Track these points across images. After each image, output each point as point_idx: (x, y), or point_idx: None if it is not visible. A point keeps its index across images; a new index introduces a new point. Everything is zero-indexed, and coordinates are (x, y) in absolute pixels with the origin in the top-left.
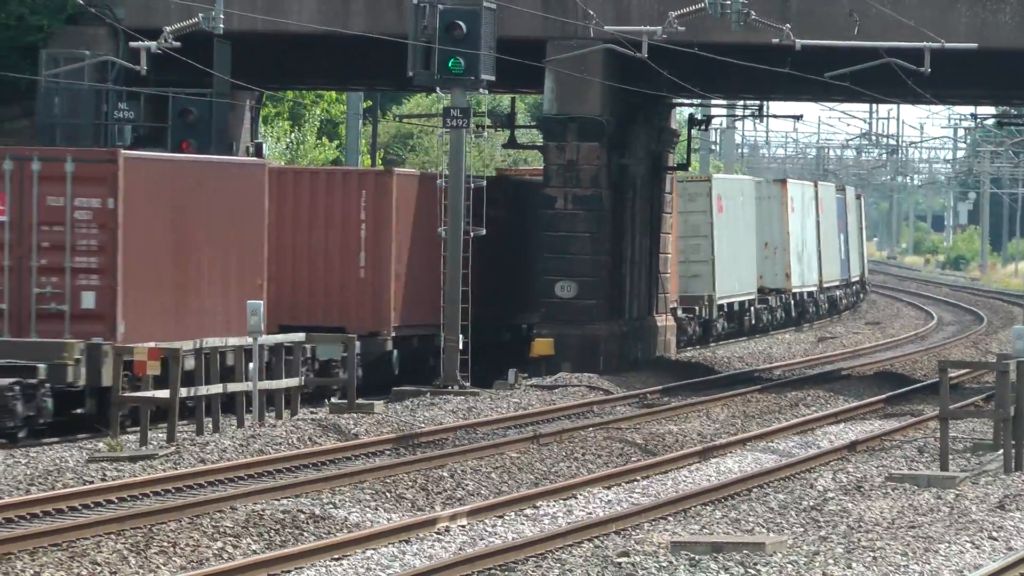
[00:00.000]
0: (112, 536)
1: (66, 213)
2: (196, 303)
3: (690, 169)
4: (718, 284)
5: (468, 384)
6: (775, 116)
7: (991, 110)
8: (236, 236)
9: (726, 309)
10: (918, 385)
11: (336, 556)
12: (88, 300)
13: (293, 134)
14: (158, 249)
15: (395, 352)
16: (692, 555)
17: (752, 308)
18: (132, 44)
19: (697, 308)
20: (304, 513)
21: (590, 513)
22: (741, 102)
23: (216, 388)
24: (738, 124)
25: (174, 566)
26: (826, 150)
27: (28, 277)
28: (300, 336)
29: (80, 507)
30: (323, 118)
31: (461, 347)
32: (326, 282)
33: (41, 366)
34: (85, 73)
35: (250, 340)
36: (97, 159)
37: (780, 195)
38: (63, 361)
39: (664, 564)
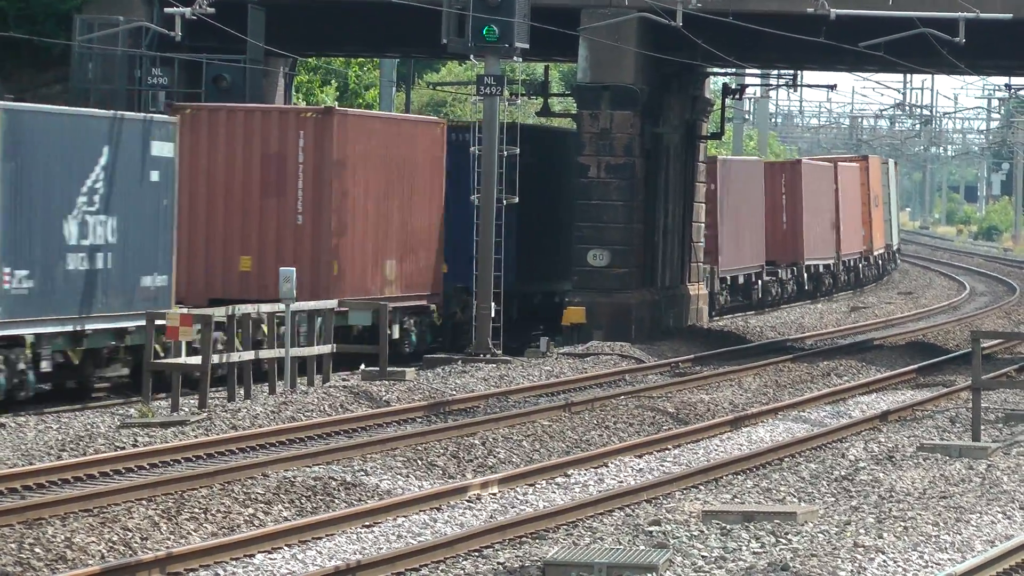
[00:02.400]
0: (143, 502)
1: None
2: None
3: (723, 138)
4: (892, 235)
5: (500, 352)
6: (809, 86)
7: None
8: None
9: (891, 253)
10: (950, 355)
11: (367, 523)
12: None
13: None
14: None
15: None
16: (723, 524)
17: (895, 254)
18: (166, 10)
19: (888, 251)
20: (335, 480)
21: (621, 482)
22: (775, 71)
23: (248, 355)
24: (772, 93)
25: (205, 532)
26: (860, 120)
27: None
28: (332, 303)
29: (111, 473)
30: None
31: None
32: None
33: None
34: (119, 39)
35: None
36: None
37: (894, 173)
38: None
39: (695, 533)
